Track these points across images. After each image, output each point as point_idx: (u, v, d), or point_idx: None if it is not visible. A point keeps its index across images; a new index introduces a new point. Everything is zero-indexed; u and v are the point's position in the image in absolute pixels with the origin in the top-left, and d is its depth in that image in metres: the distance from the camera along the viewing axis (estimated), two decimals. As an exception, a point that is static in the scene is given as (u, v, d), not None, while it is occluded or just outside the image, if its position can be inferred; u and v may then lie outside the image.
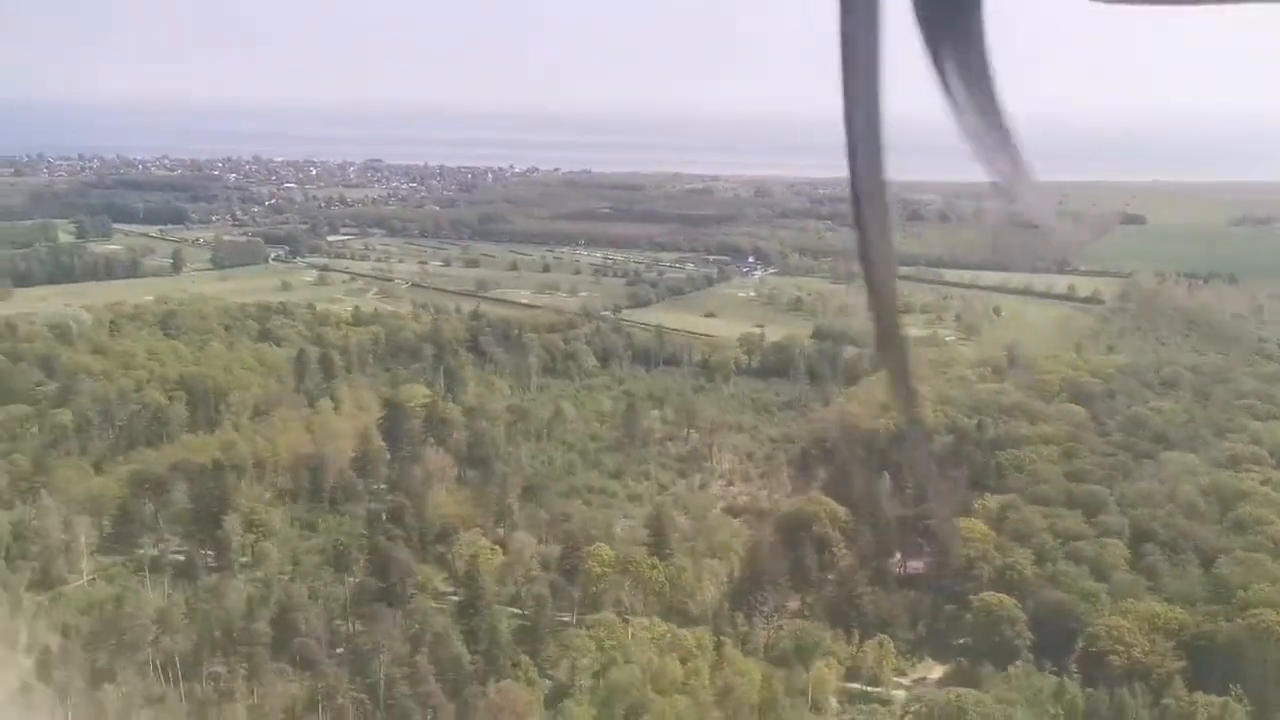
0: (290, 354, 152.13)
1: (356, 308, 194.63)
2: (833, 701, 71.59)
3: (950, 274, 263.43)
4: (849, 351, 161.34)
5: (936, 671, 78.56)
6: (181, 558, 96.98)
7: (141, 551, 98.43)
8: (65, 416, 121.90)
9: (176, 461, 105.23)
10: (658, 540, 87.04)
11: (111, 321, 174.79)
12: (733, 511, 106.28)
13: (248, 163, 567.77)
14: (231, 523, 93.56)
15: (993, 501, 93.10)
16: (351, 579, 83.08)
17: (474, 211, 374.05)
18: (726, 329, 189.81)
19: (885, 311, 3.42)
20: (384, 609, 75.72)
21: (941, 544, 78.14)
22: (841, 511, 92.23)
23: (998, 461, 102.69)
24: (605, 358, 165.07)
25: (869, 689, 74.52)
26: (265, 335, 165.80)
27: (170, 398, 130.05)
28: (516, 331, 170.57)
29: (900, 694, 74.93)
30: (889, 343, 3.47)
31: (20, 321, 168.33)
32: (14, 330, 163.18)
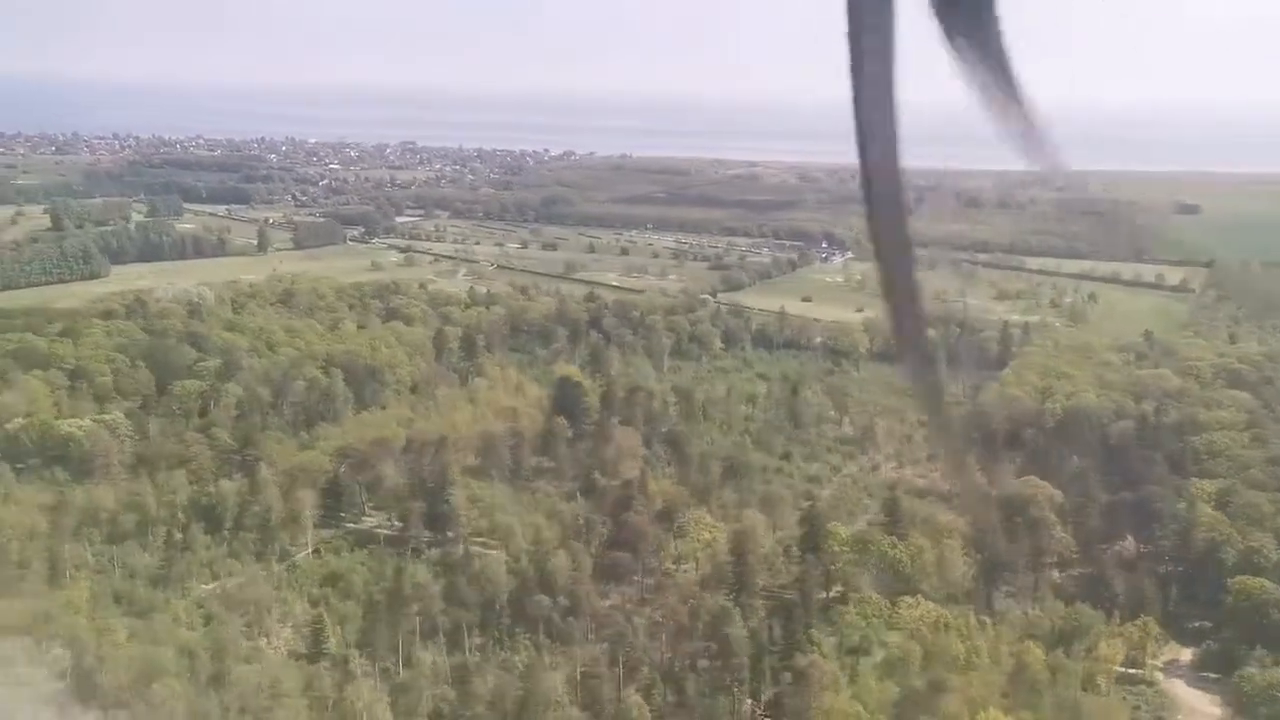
0: (423, 333, 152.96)
1: (472, 288, 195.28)
2: (1103, 683, 72.35)
3: (1031, 261, 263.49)
4: (966, 335, 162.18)
5: (1185, 655, 79.29)
6: (390, 531, 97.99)
7: (353, 525, 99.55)
8: (238, 392, 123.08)
9: (377, 437, 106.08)
10: (891, 519, 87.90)
11: (233, 299, 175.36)
12: (917, 494, 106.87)
13: (282, 144, 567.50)
14: (456, 496, 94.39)
15: (1209, 486, 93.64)
16: (591, 553, 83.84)
17: (529, 194, 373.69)
18: (826, 313, 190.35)
19: (902, 293, 3.51)
20: (643, 583, 76.51)
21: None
22: (1057, 495, 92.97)
23: (1192, 447, 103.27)
24: (726, 340, 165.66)
25: (1131, 671, 75.33)
26: (392, 314, 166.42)
27: (328, 374, 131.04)
28: (637, 313, 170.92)
29: (1159, 676, 75.82)
30: (907, 326, 3.58)
31: (148, 298, 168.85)
32: (145, 306, 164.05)
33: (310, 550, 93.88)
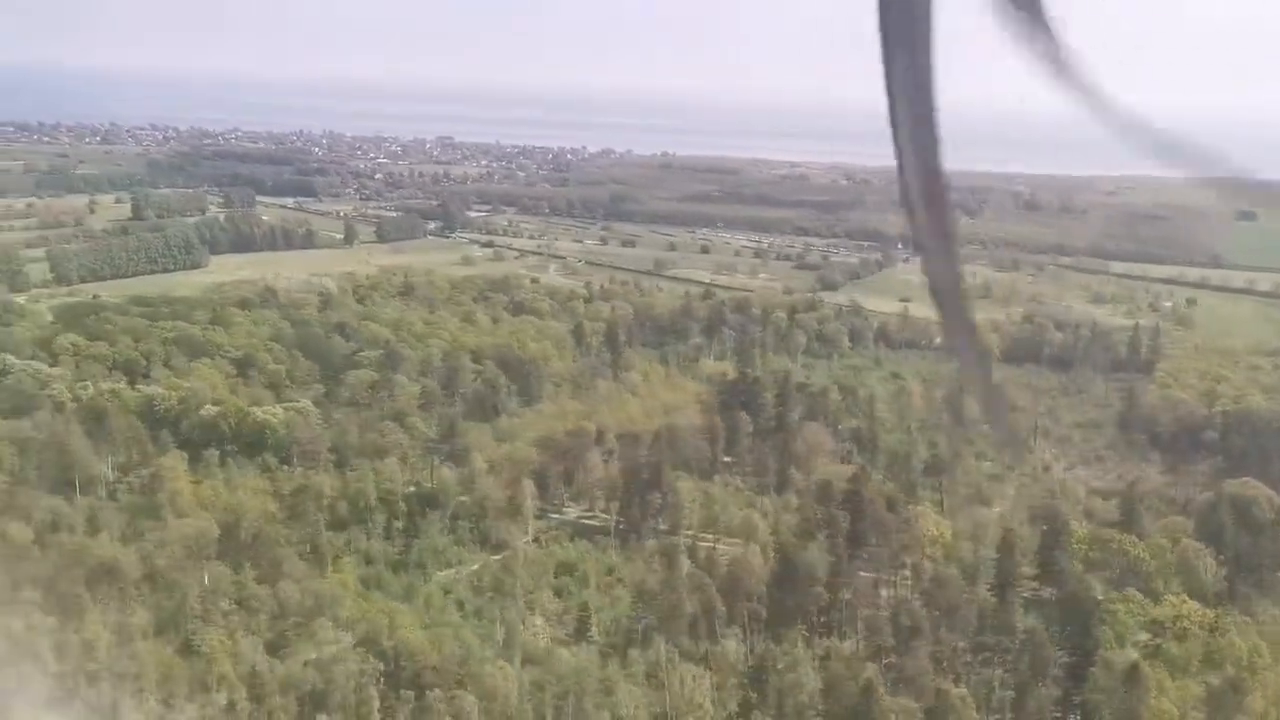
0: (559, 327, 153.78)
1: (588, 284, 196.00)
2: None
3: (1111, 266, 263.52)
4: (1084, 338, 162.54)
5: None
6: (596, 522, 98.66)
7: (556, 515, 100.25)
8: (405, 382, 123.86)
9: (571, 429, 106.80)
10: (1128, 518, 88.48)
11: (354, 290, 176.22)
12: (1103, 494, 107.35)
13: (322, 137, 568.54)
14: (674, 488, 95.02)
15: None
16: (830, 547, 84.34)
17: (588, 191, 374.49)
18: (927, 313, 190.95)
19: (950, 294, 3.46)
20: (895, 577, 77.03)
21: None
22: (1275, 496, 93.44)
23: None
24: (853, 339, 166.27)
25: None
26: (519, 308, 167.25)
27: (483, 366, 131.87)
28: (758, 311, 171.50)
29: None
30: (958, 327, 3.54)
31: (278, 288, 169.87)
32: (275, 294, 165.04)
33: (529, 539, 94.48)
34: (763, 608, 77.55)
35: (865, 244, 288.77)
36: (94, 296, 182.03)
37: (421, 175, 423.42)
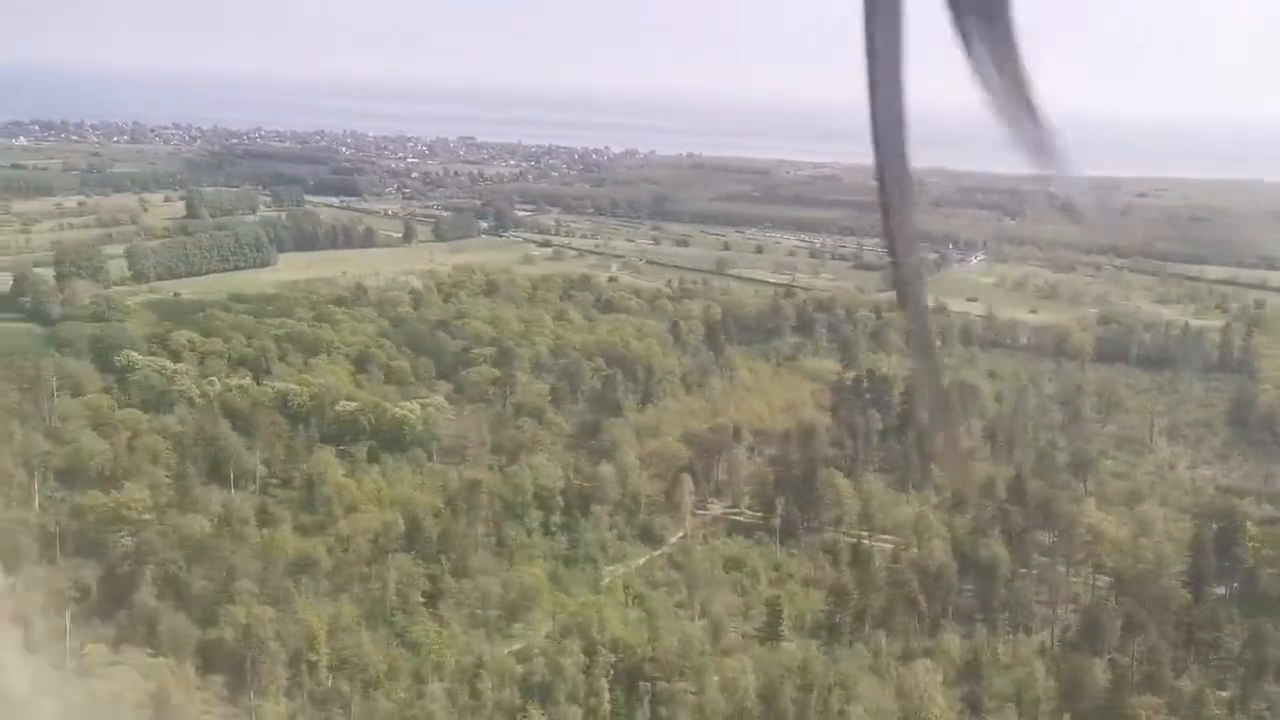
0: (656, 325, 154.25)
1: (668, 281, 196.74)
2: None
3: (1167, 267, 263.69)
4: (1173, 339, 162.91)
5: None
6: (744, 518, 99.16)
7: (701, 511, 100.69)
8: (525, 379, 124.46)
9: (710, 425, 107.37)
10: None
11: (438, 288, 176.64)
12: (1236, 492, 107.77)
13: (346, 136, 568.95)
14: (828, 485, 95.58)
15: None
16: (999, 543, 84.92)
17: (626, 192, 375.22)
18: (1001, 313, 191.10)
19: (911, 292, 3.72)
20: (1089, 574, 77.51)
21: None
22: None
23: None
24: (941, 339, 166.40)
25: None
26: (607, 306, 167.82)
27: (591, 363, 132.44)
28: (841, 310, 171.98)
29: None
30: (917, 320, 3.89)
31: (368, 285, 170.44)
32: (366, 292, 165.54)
33: (683, 534, 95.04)
34: (950, 604, 77.97)
35: (922, 244, 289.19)
36: (175, 294, 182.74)
37: (457, 174, 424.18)
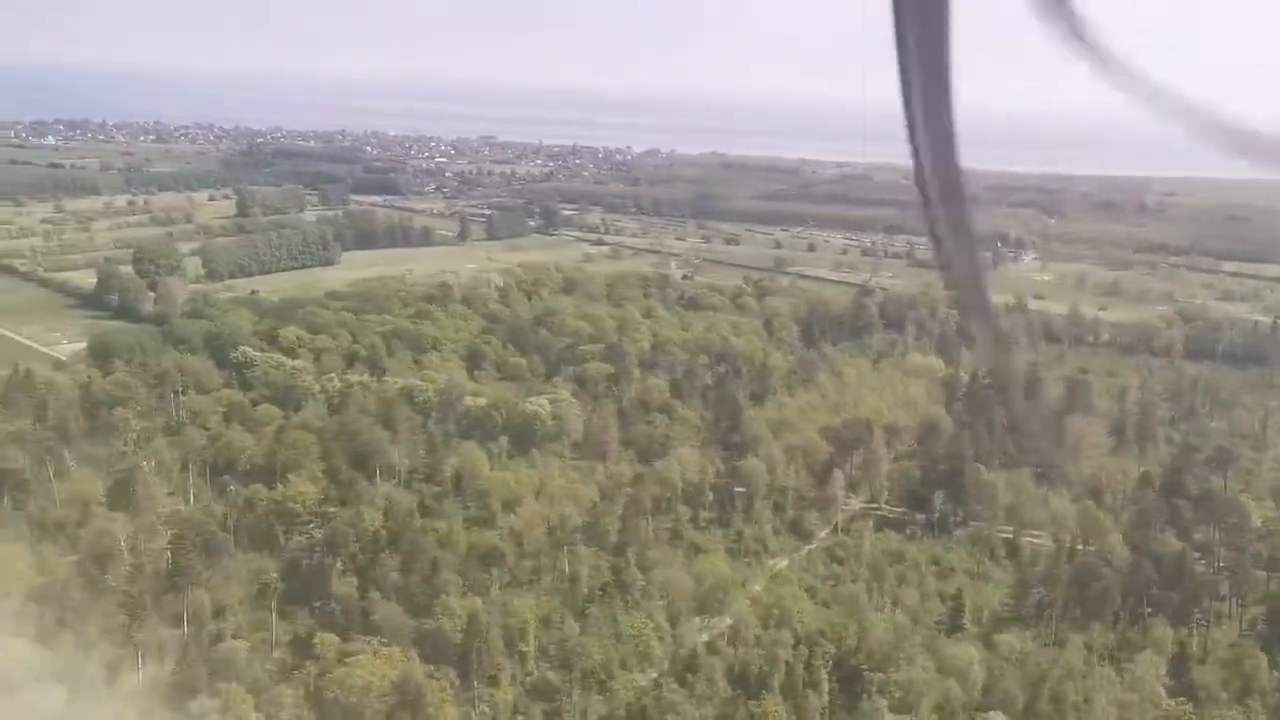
0: (749, 323, 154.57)
1: (746, 278, 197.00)
2: None
3: (1220, 264, 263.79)
4: (1261, 336, 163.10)
5: None
6: (885, 513, 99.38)
7: (844, 506, 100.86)
8: (641, 376, 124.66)
9: (848, 421, 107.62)
10: None
11: (519, 285, 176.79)
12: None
13: (370, 135, 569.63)
14: (976, 480, 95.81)
15: None
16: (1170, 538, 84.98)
17: (661, 191, 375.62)
18: (1068, 310, 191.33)
19: (970, 288, 3.65)
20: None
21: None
22: None
23: None
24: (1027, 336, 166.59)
25: None
26: (691, 304, 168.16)
27: (697, 359, 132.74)
28: (924, 308, 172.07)
29: None
30: (981, 320, 3.81)
31: (452, 282, 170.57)
32: (449, 290, 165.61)
33: (833, 529, 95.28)
34: (1139, 597, 78.11)
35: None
36: (252, 292, 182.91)
37: (489, 173, 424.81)
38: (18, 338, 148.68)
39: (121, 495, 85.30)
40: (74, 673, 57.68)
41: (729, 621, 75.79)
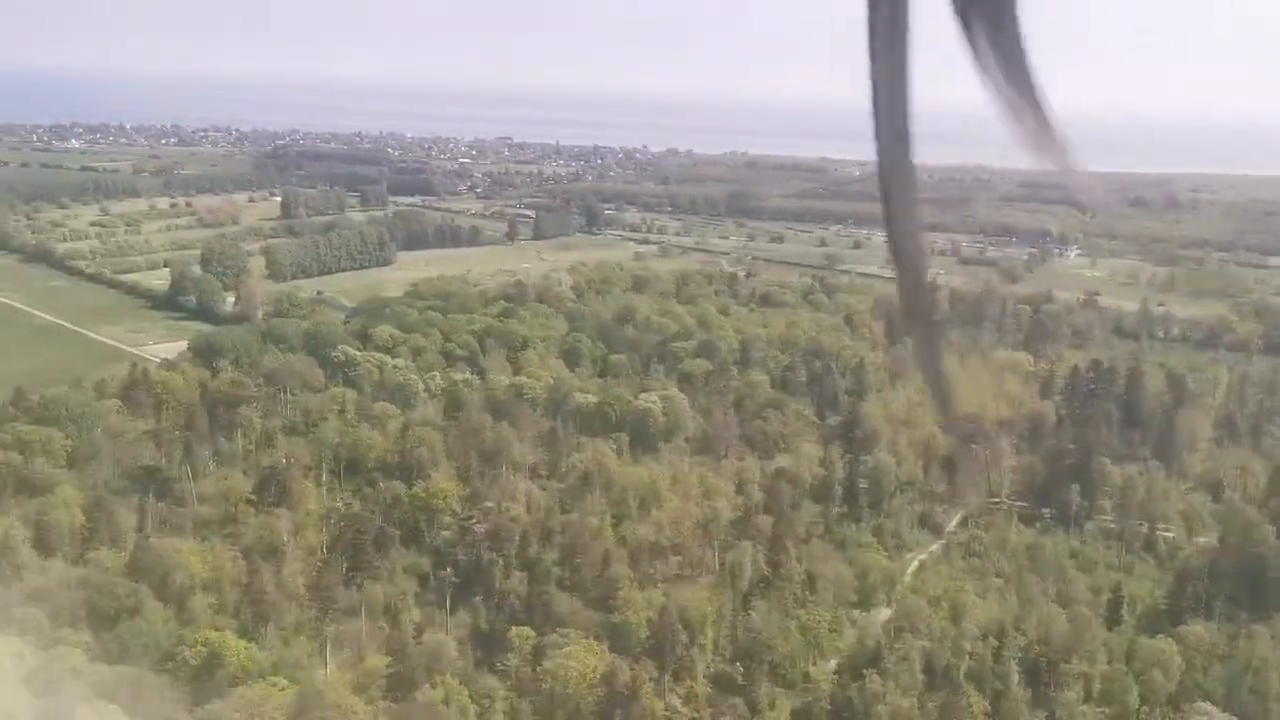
0: (828, 319, 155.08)
1: (814, 276, 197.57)
2: None
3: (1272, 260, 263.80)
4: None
5: None
6: (1010, 506, 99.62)
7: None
8: (739, 372, 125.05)
9: (966, 416, 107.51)
10: None
11: (588, 284, 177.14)
12: None
13: (389, 137, 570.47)
14: (1102, 474, 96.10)
15: None
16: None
17: (689, 189, 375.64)
18: (1124, 306, 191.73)
19: (916, 287, 3.70)
20: None
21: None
22: None
23: None
24: (1104, 330, 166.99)
25: None
26: (765, 301, 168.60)
27: (785, 355, 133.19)
28: (996, 305, 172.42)
29: None
30: (921, 320, 3.84)
31: (525, 280, 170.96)
32: (524, 289, 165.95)
33: (962, 522, 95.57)
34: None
35: (1001, 239, 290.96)
36: (318, 292, 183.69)
37: (517, 173, 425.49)
38: (103, 339, 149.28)
39: (269, 491, 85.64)
40: (289, 663, 58.02)
41: (886, 614, 76.09)
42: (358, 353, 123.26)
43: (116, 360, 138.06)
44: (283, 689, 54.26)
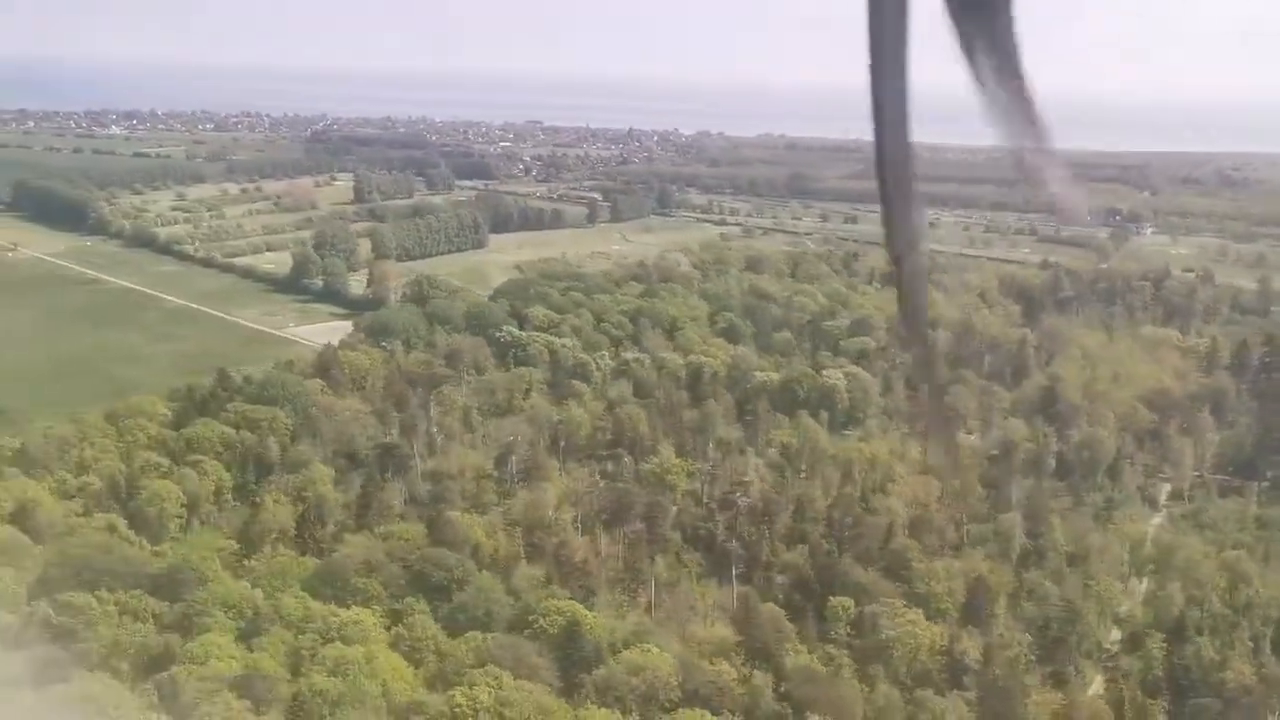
0: (958, 298, 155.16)
1: (946, 255, 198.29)
2: None
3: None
4: None
5: None
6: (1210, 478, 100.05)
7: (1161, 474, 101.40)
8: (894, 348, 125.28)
9: (1156, 391, 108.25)
10: None
11: (702, 263, 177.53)
12: None
13: (418, 123, 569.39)
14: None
15: None
16: None
17: (739, 171, 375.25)
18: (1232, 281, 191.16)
19: (911, 273, 3.70)
20: None
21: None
22: None
23: None
24: (1232, 308, 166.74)
25: None
26: (887, 280, 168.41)
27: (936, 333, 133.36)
28: (1117, 283, 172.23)
29: None
30: (912, 309, 3.86)
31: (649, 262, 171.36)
32: (648, 270, 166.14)
33: (1174, 495, 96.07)
34: None
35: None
36: (423, 275, 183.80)
37: (565, 156, 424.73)
38: (242, 321, 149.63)
39: (506, 467, 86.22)
40: (644, 631, 58.63)
41: (1142, 584, 76.62)
42: (522, 333, 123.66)
43: (263, 343, 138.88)
44: (659, 653, 54.89)
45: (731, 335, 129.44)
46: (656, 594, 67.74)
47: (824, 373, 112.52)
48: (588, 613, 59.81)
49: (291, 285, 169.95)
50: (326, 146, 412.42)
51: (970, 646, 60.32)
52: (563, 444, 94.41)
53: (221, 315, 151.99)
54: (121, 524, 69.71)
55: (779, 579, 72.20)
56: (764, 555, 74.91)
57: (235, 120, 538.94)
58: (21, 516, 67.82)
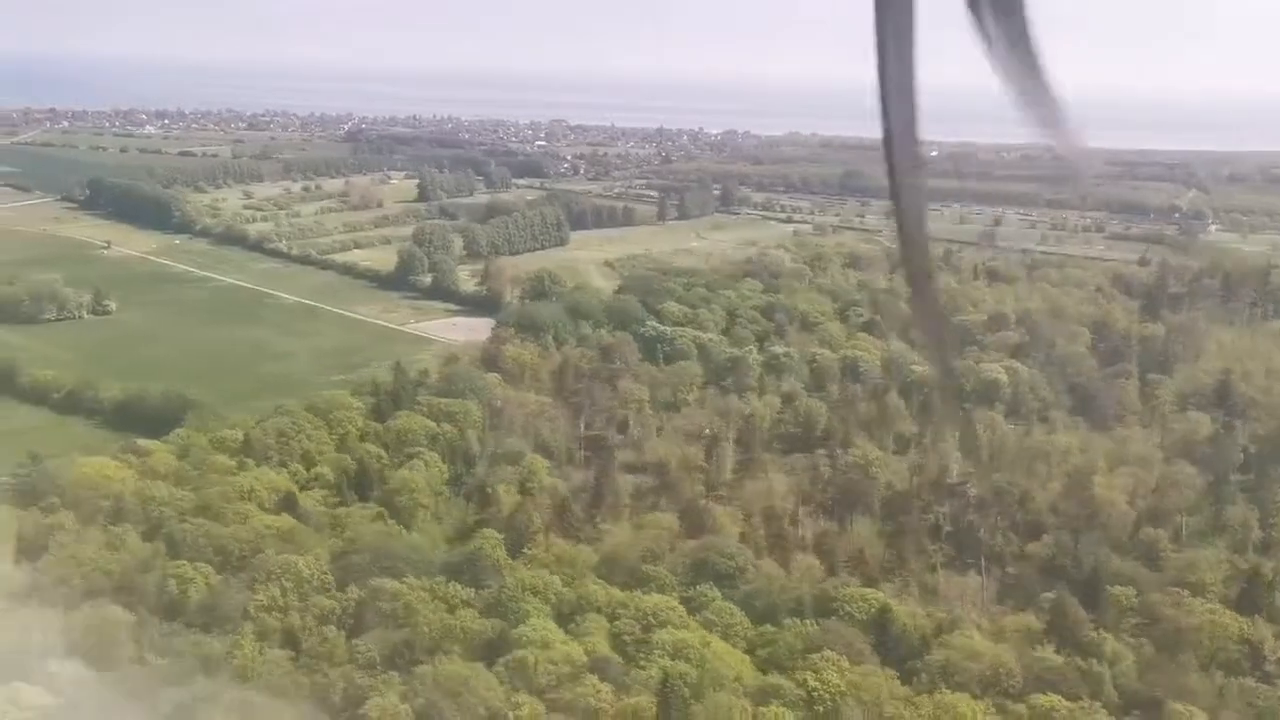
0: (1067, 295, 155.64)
1: (1023, 253, 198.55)
2: None
3: None
4: None
5: None
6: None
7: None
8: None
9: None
10: None
11: (802, 259, 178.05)
12: None
13: (447, 121, 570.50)
14: None
15: None
16: None
17: (784, 169, 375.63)
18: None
19: (919, 260, 3.84)
20: None
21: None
22: None
23: None
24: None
25: None
26: (994, 276, 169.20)
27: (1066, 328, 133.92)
28: (1226, 276, 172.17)
29: None
30: (924, 292, 3.92)
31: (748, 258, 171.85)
32: (752, 267, 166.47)
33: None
34: None
35: (1127, 215, 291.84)
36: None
37: (618, 156, 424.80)
38: (367, 319, 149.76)
39: (711, 460, 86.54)
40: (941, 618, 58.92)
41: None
42: (663, 328, 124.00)
43: (393, 339, 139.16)
44: (980, 639, 55.26)
45: (872, 330, 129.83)
46: (920, 582, 68.03)
47: (981, 366, 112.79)
48: (885, 600, 60.13)
49: (397, 282, 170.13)
50: (368, 145, 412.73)
51: (1269, 635, 60.54)
52: (755, 437, 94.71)
53: (341, 312, 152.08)
54: (384, 514, 69.95)
55: (1026, 570, 72.48)
56: (1006, 545, 75.19)
57: (266, 119, 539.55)
58: (286, 506, 68.07)
